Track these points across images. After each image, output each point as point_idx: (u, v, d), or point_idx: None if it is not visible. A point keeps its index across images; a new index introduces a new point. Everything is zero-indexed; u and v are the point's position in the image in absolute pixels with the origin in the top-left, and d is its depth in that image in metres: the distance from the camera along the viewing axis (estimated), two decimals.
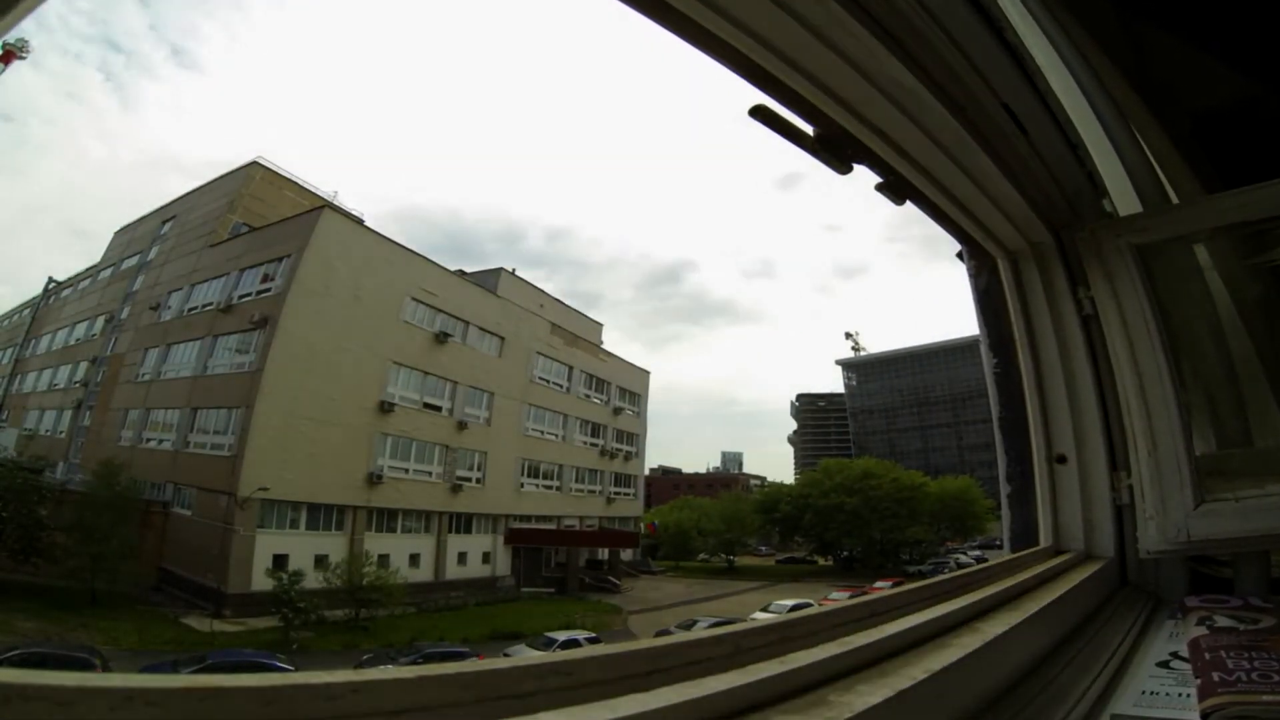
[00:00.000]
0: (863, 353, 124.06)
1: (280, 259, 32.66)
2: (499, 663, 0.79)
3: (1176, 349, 2.22)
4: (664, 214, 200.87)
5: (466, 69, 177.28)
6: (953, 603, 1.46)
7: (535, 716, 0.71)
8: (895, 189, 1.90)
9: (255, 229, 36.43)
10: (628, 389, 54.96)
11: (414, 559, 35.08)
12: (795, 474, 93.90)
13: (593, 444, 50.39)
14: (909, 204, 1.99)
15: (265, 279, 32.96)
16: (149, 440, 34.95)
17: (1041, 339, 2.50)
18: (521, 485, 43.30)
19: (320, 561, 29.57)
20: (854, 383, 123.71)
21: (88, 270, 49.62)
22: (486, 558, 39.75)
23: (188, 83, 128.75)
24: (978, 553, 47.68)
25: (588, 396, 50.35)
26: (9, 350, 52.42)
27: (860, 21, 1.36)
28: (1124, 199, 2.49)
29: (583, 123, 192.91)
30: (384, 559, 31.34)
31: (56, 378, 45.52)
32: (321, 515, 31.60)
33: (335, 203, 40.88)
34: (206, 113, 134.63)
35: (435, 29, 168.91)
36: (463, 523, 38.43)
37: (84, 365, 42.65)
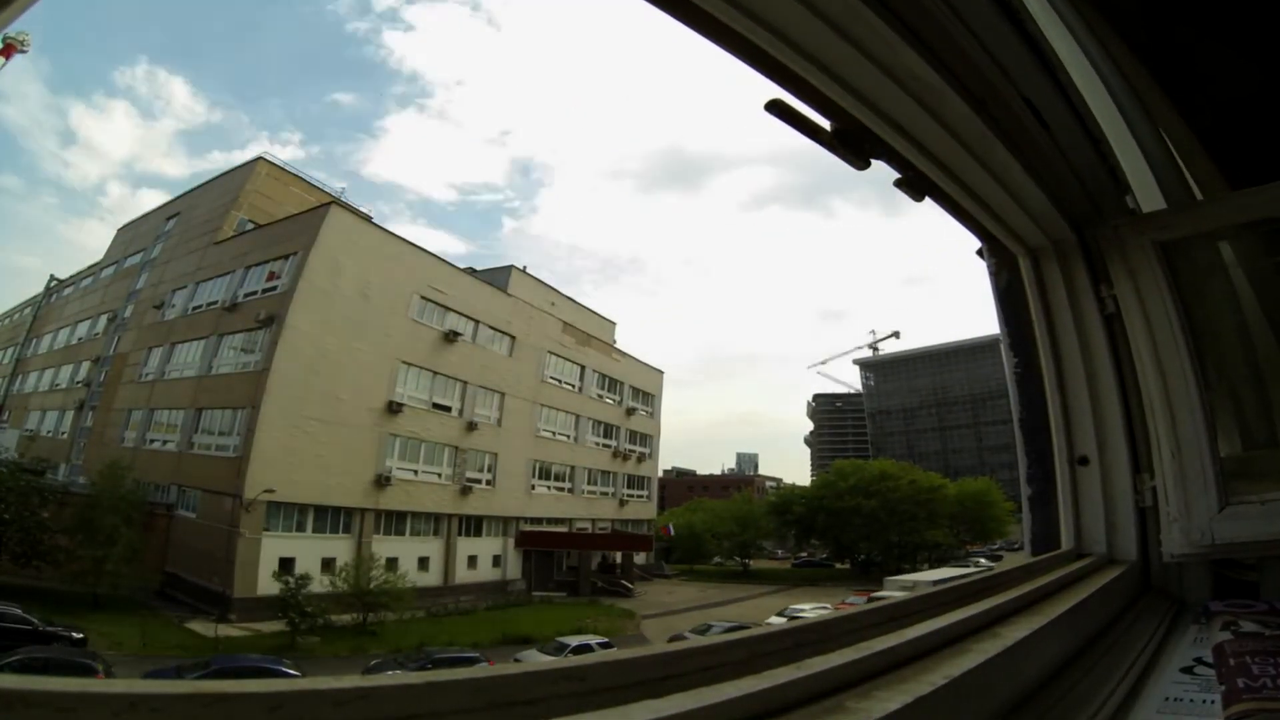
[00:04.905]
0: (881, 352, 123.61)
1: (286, 256, 32.46)
2: (510, 668, 0.78)
3: (1201, 348, 2.19)
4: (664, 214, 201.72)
5: (474, 66, 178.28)
6: (972, 607, 1.45)
7: None
8: (914, 185, 1.88)
9: (261, 226, 36.35)
10: (641, 389, 54.79)
11: (423, 562, 34.91)
12: (812, 475, 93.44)
13: (605, 445, 50.18)
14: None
15: (271, 277, 32.73)
16: (152, 441, 34.89)
17: (1063, 338, 2.47)
18: (533, 487, 43.15)
19: (327, 565, 29.44)
20: (872, 383, 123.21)
21: (90, 268, 49.68)
22: (497, 561, 39.65)
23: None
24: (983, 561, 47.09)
25: (600, 397, 50.16)
26: (10, 350, 52.48)
27: (878, 14, 1.35)
28: (1147, 195, 2.46)
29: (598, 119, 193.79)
30: (392, 562, 31.13)
31: (58, 378, 45.49)
32: (329, 518, 31.49)
33: (342, 199, 41.01)
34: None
35: (441, 27, 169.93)
36: (472, 525, 38.32)
37: (86, 365, 42.58)
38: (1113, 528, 2.36)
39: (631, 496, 52.57)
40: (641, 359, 56.06)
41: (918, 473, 55.02)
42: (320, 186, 43.23)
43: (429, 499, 35.87)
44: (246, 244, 35.41)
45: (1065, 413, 2.44)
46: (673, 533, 55.09)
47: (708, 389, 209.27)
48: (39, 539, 24.76)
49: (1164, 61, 2.26)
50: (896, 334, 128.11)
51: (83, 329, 45.37)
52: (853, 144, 1.66)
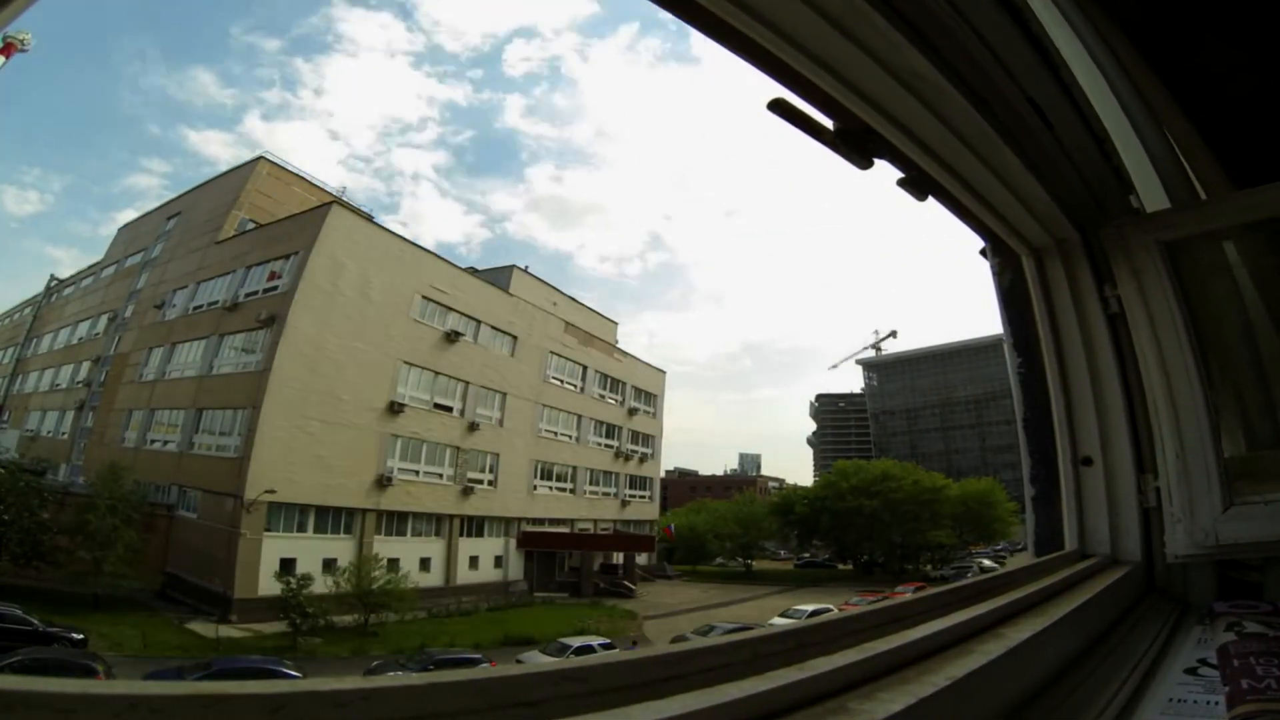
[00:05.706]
0: (884, 352, 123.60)
1: (288, 256, 32.38)
2: (511, 669, 0.78)
3: (1205, 348, 2.18)
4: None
5: (478, 65, 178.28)
6: (976, 608, 1.44)
7: None
8: (917, 184, 1.87)
9: (262, 225, 36.27)
10: (643, 389, 54.69)
11: (424, 563, 34.82)
12: (815, 476, 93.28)
13: (607, 445, 50.07)
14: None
15: (272, 276, 32.65)
16: (153, 442, 34.80)
17: (1067, 338, 2.46)
18: (534, 488, 43.07)
19: (329, 566, 29.39)
20: (875, 383, 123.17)
21: (90, 268, 49.58)
22: (499, 562, 39.55)
23: None
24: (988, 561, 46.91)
25: (602, 397, 50.04)
26: (10, 349, 52.31)
27: (881, 12, 1.34)
28: (1151, 194, 2.45)
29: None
30: (394, 563, 31.05)
31: (59, 378, 45.38)
32: (330, 518, 31.42)
33: (344, 199, 40.97)
34: None
35: (450, 27, 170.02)
36: (474, 526, 38.25)
37: (87, 365, 42.45)
38: (1116, 528, 2.35)
39: (634, 497, 52.41)
40: (643, 359, 56.17)
41: (920, 473, 54.60)
42: (322, 186, 43.24)
43: (431, 499, 35.79)
44: (247, 243, 35.30)
45: (1069, 413, 2.43)
46: (675, 533, 55.03)
47: (709, 390, 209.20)
48: (39, 540, 24.76)
49: (1168, 60, 2.25)
50: (894, 333, 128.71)
51: (83, 329, 45.26)
52: (855, 143, 1.66)
